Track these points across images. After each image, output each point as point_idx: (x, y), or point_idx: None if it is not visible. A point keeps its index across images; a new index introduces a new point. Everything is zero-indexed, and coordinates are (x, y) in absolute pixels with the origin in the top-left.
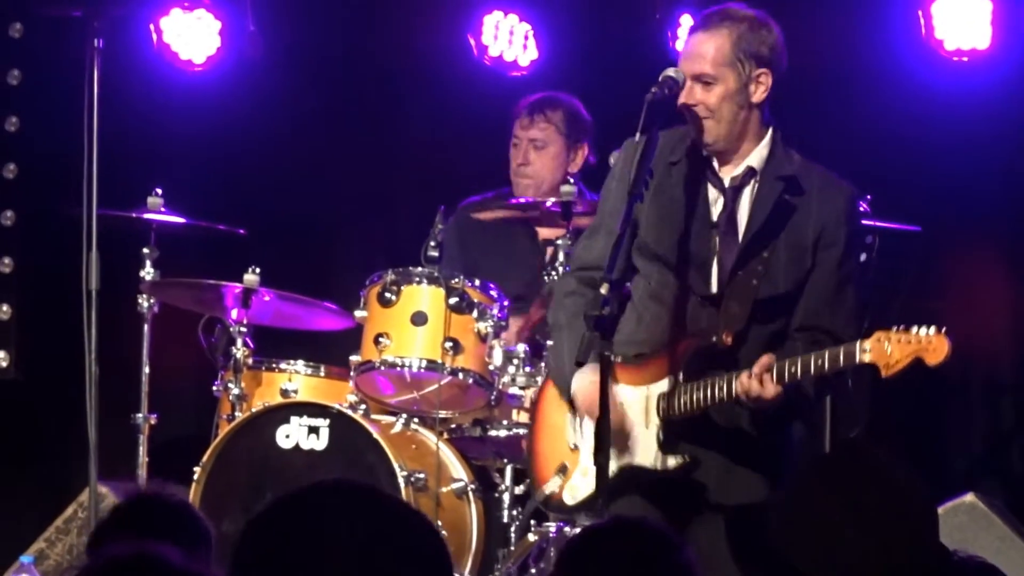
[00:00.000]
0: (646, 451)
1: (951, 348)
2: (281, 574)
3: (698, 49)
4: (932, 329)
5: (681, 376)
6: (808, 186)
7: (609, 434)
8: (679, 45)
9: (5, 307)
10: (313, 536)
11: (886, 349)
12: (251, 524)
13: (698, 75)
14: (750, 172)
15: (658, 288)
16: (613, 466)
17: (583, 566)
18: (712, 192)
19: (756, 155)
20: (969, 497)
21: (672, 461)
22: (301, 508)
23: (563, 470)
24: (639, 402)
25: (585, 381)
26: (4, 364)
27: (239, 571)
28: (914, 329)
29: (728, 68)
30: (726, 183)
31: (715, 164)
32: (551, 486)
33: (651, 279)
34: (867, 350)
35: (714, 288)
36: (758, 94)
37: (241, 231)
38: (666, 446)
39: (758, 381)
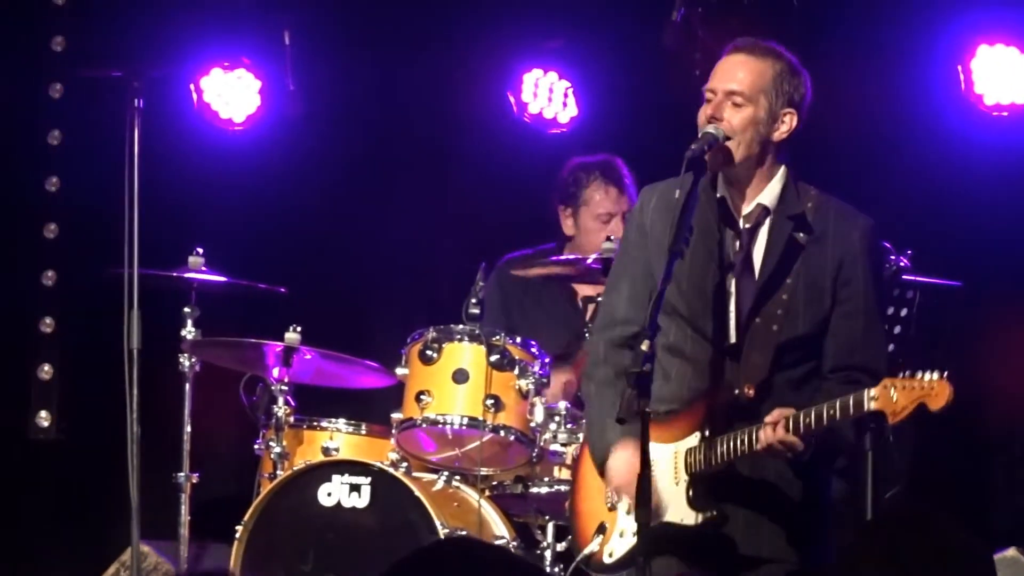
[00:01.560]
0: (676, 507)
1: (952, 393)
2: None
3: (739, 69)
4: (935, 374)
5: (707, 431)
6: (823, 222)
7: (651, 491)
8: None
9: (47, 367)
10: None
11: (892, 396)
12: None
13: (732, 93)
14: (764, 211)
15: (678, 343)
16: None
17: None
18: (728, 234)
19: (768, 192)
20: (1011, 551)
21: (700, 516)
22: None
23: (602, 530)
24: (668, 459)
25: (619, 460)
26: (46, 424)
27: None
28: (919, 374)
29: (762, 95)
30: (740, 224)
31: (729, 206)
32: (592, 547)
33: (669, 334)
34: (875, 398)
35: (732, 338)
36: (780, 131)
37: (282, 289)
38: (695, 502)
39: (775, 433)
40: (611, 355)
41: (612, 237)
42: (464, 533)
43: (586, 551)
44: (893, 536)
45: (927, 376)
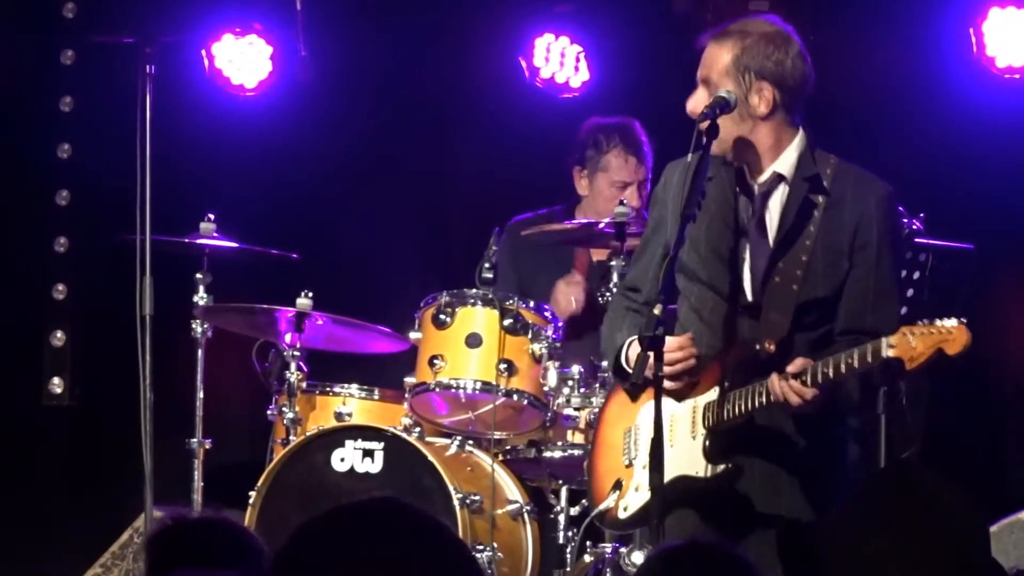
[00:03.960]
0: (693, 461)
1: (970, 338)
2: None
3: (706, 57)
4: (953, 320)
5: (726, 386)
6: (842, 187)
7: (663, 453)
8: None
9: (59, 334)
10: (356, 549)
11: (910, 343)
12: (298, 532)
13: (703, 80)
14: (778, 178)
15: (698, 304)
16: (664, 479)
17: None
18: (743, 201)
19: (784, 161)
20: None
21: (715, 469)
22: (348, 520)
23: (618, 486)
24: (686, 414)
25: (634, 350)
26: (59, 391)
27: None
28: (938, 321)
29: (726, 78)
30: (755, 189)
31: (746, 171)
32: (607, 503)
33: (691, 296)
34: (893, 345)
35: (749, 297)
36: (761, 107)
37: (294, 255)
38: (710, 455)
39: (792, 383)
40: (624, 306)
41: (624, 201)
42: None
43: (601, 507)
44: (883, 498)
45: (946, 322)
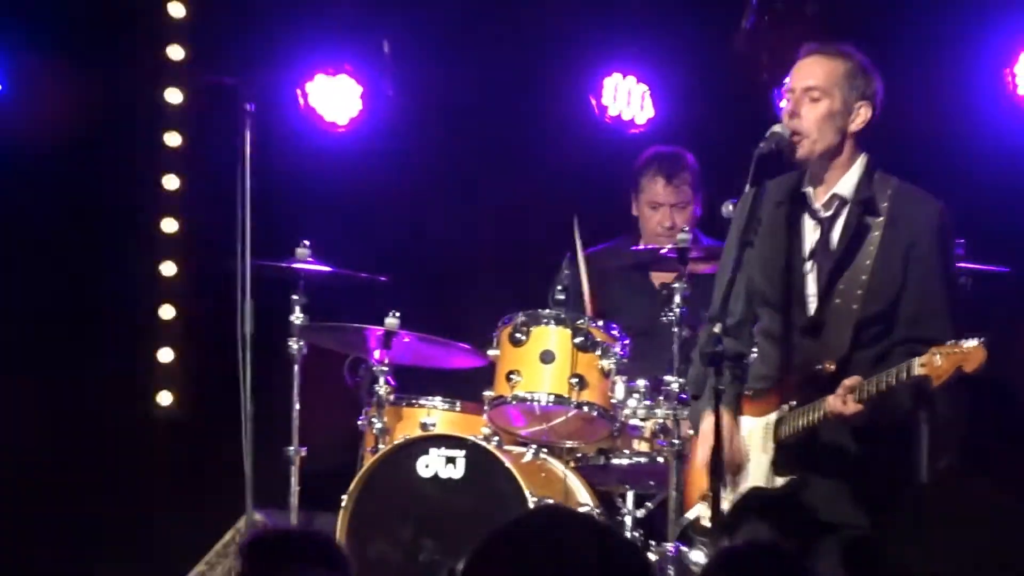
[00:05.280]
0: (763, 474)
1: (986, 356)
2: None
3: (814, 67)
4: (973, 340)
5: (792, 404)
6: (899, 207)
7: (722, 462)
8: (783, 104)
9: (168, 351)
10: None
11: (936, 362)
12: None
13: (809, 88)
14: (841, 201)
15: (768, 325)
16: (740, 489)
17: None
18: (809, 223)
19: (846, 182)
20: None
21: (781, 480)
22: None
23: (705, 498)
24: (759, 430)
25: (710, 418)
26: (167, 403)
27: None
28: (960, 342)
29: (836, 89)
30: (820, 213)
31: (810, 196)
32: (695, 512)
33: (763, 317)
34: (923, 364)
35: (812, 319)
36: (856, 123)
37: (382, 278)
38: (778, 468)
39: (840, 401)
40: (703, 339)
41: (687, 228)
42: (551, 501)
43: (688, 515)
44: (930, 501)
45: (967, 342)
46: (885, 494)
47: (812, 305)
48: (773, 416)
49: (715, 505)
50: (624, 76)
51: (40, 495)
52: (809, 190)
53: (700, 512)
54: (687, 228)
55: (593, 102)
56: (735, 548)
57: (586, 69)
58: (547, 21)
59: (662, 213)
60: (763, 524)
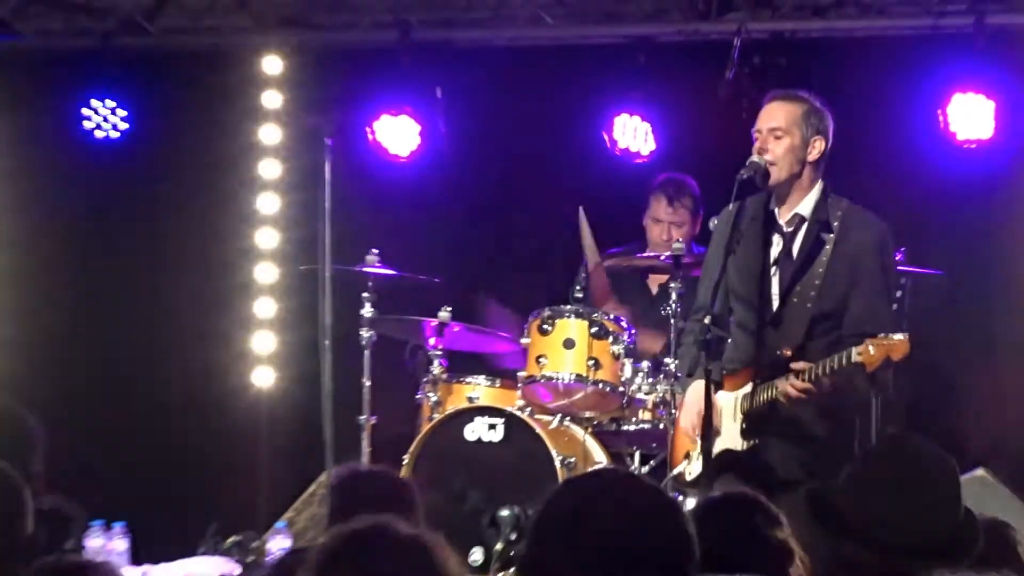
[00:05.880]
0: (733, 438)
1: (908, 348)
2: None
3: (776, 110)
4: (901, 335)
5: (757, 382)
6: (848, 225)
7: (712, 428)
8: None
9: (274, 338)
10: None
11: (870, 351)
12: (548, 504)
13: (773, 129)
14: (800, 219)
15: (741, 317)
16: (715, 450)
17: (707, 527)
18: (775, 237)
19: (806, 203)
20: (980, 472)
21: (747, 443)
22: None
23: (687, 457)
24: (731, 403)
25: (691, 391)
26: (271, 382)
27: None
28: (891, 335)
29: (796, 127)
30: (784, 228)
31: (776, 214)
32: (680, 468)
33: (737, 312)
34: (859, 353)
35: (774, 313)
36: (813, 154)
37: (436, 279)
38: (745, 434)
39: (789, 383)
40: (691, 328)
41: (680, 240)
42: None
43: (674, 472)
44: (876, 459)
45: (894, 336)
46: (831, 457)
47: (775, 303)
48: (741, 391)
49: (707, 459)
50: (631, 116)
51: (163, 454)
52: (775, 209)
53: (683, 468)
54: (681, 240)
55: (606, 137)
56: (713, 498)
57: (600, 110)
58: (568, 71)
59: (661, 228)
60: (732, 478)
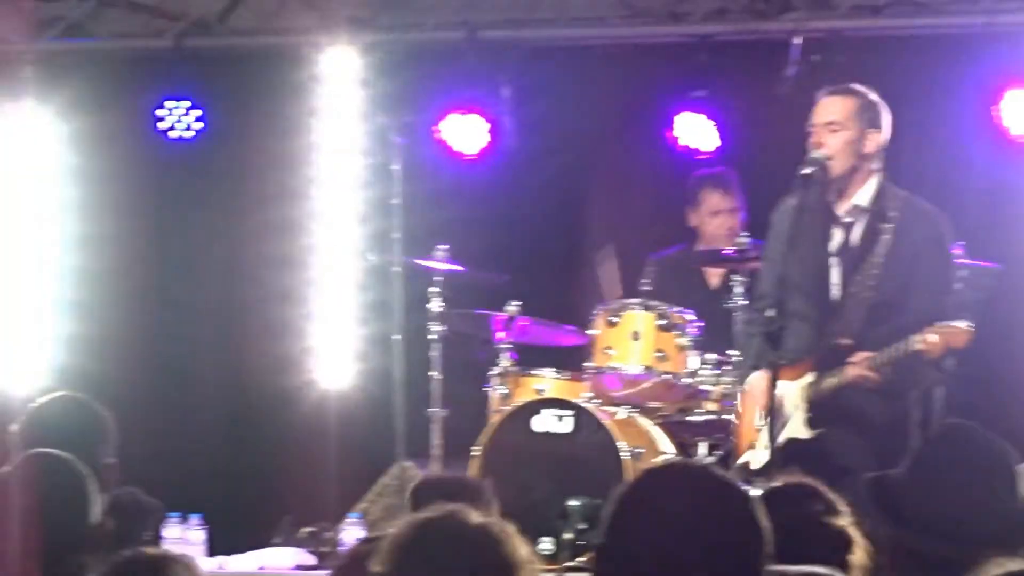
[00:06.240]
0: (796, 427)
1: (969, 336)
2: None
3: (832, 105)
4: (963, 322)
5: (818, 371)
6: (907, 217)
7: (777, 419)
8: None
9: (345, 332)
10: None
11: (931, 339)
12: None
13: (829, 123)
14: (858, 211)
15: (800, 309)
16: (779, 440)
17: (769, 516)
18: (834, 229)
19: (864, 195)
20: None
21: (811, 432)
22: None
23: (752, 446)
24: (794, 392)
25: (755, 380)
26: (342, 376)
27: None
28: (952, 322)
29: (851, 120)
30: (843, 220)
31: (835, 206)
32: (745, 458)
33: (797, 304)
34: (919, 341)
35: (835, 304)
36: (868, 147)
37: (504, 277)
38: (808, 423)
39: (857, 370)
40: (752, 317)
41: (744, 234)
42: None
43: (740, 461)
44: (935, 448)
45: (957, 323)
46: (892, 445)
47: (835, 292)
48: (804, 380)
49: (773, 448)
50: (693, 113)
51: (238, 446)
52: (834, 201)
53: (748, 458)
54: (746, 234)
55: (670, 135)
56: (773, 487)
57: (663, 108)
58: (631, 70)
59: (722, 218)
60: (798, 467)
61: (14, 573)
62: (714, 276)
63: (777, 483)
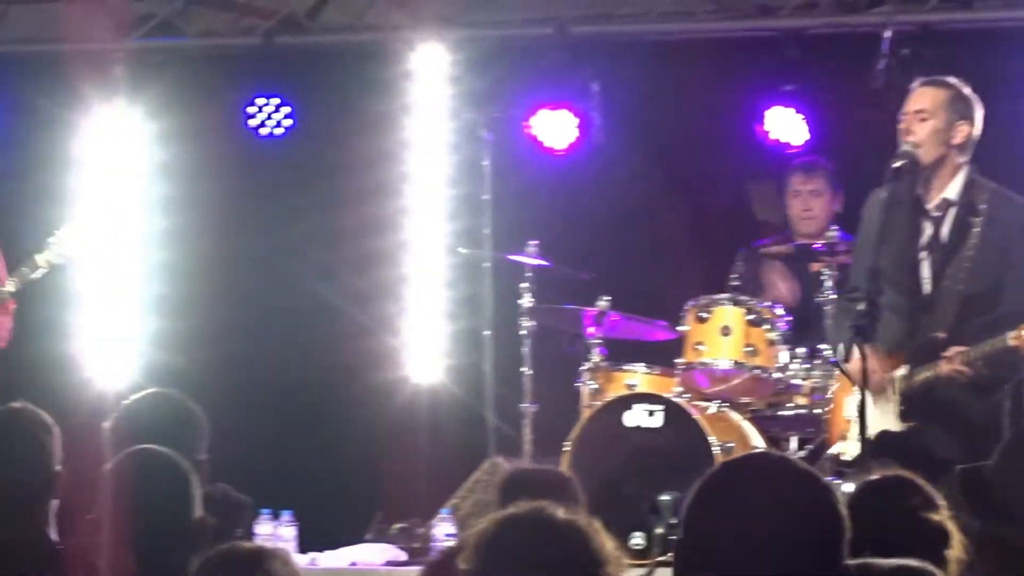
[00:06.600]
0: (889, 419)
1: None
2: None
3: (923, 94)
4: None
5: (911, 364)
6: (997, 209)
7: (866, 411)
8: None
9: (435, 328)
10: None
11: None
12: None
13: (918, 111)
14: (948, 204)
15: (892, 301)
16: (871, 433)
17: (866, 509)
18: (924, 223)
19: (953, 187)
20: None
21: (904, 425)
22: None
23: (844, 437)
24: (887, 386)
25: (854, 361)
26: (433, 371)
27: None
28: None
29: (940, 111)
30: (932, 213)
31: (924, 199)
32: (836, 449)
33: (889, 296)
34: (1014, 337)
35: (927, 297)
36: (957, 139)
37: (591, 275)
38: (901, 415)
39: (950, 364)
40: (843, 305)
41: (833, 227)
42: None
43: (831, 452)
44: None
45: None
46: (984, 437)
47: (927, 286)
48: (897, 373)
49: (864, 443)
50: (783, 107)
51: (329, 443)
52: (922, 194)
53: (840, 449)
54: (835, 228)
55: (760, 129)
56: (870, 480)
57: (752, 102)
58: (720, 64)
59: (800, 200)
60: (890, 460)
61: (112, 569)
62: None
63: (875, 476)
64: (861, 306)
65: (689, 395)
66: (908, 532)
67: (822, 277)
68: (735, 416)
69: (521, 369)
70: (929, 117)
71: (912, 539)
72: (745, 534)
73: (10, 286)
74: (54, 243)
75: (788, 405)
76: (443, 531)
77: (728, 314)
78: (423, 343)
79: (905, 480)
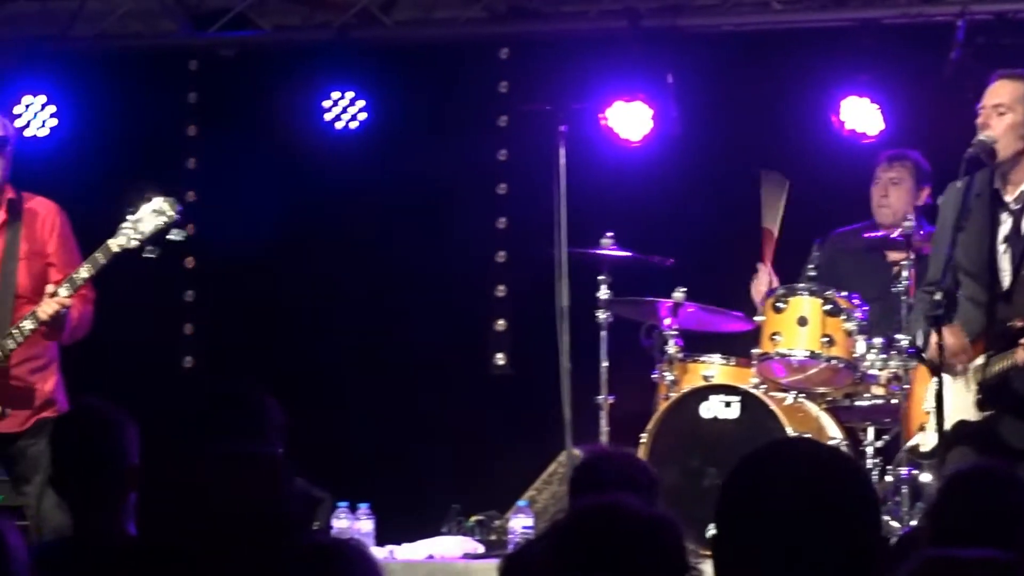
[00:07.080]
0: (967, 409)
1: None
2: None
3: (1001, 88)
4: None
5: (989, 354)
6: None
7: (943, 401)
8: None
9: (501, 321)
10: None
11: None
12: (741, 465)
13: (996, 105)
14: None
15: (970, 291)
16: (949, 423)
17: (958, 499)
18: (1003, 215)
19: None
20: None
21: (982, 415)
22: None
23: (922, 428)
24: (965, 374)
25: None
26: (502, 363)
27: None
28: None
29: (1019, 104)
30: (1011, 206)
31: (1002, 192)
32: (914, 440)
33: (966, 285)
34: None
35: (1005, 287)
36: None
37: (670, 261)
38: (979, 405)
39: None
40: (922, 297)
41: (910, 217)
42: (807, 435)
43: (910, 443)
44: None
45: None
46: None
47: (1006, 278)
48: (975, 363)
49: (941, 438)
50: (859, 97)
51: (406, 436)
52: (1000, 187)
53: (918, 440)
54: (911, 216)
55: (835, 119)
56: (963, 470)
57: (827, 92)
58: (794, 55)
59: (879, 187)
60: (968, 449)
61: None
62: (893, 258)
63: (965, 466)
64: (938, 296)
65: (766, 386)
66: (1003, 523)
67: (900, 267)
68: (812, 407)
69: (598, 361)
70: (1007, 111)
71: (1007, 531)
72: (772, 521)
73: (83, 272)
74: (126, 228)
75: (865, 395)
76: (520, 523)
77: (805, 304)
78: (500, 335)
79: (999, 470)
